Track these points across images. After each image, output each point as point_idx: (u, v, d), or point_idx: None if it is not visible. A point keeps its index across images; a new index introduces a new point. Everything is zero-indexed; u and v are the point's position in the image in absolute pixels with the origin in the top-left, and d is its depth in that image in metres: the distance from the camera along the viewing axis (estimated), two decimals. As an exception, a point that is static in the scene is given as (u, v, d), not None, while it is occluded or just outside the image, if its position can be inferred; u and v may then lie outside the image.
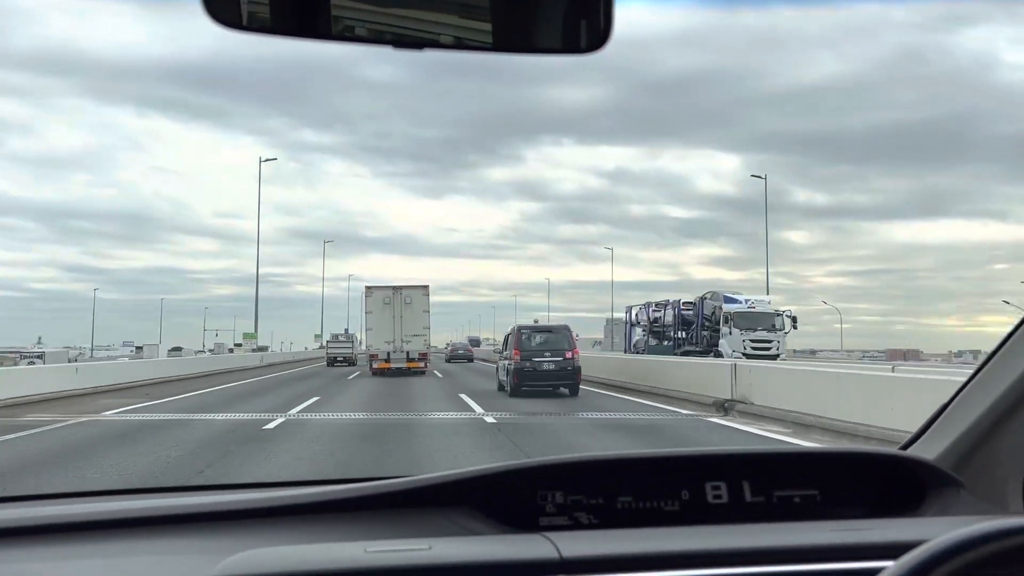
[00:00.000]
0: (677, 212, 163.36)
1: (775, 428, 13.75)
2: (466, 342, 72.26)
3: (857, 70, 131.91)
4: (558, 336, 20.90)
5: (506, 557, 1.16)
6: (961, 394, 1.67)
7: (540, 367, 19.87)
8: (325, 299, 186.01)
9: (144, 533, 1.38)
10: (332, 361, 46.15)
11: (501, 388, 21.60)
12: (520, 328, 21.72)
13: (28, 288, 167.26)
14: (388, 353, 32.07)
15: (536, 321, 31.26)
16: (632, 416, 15.70)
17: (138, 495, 1.90)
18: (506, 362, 21.10)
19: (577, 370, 20.30)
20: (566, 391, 20.10)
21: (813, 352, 78.78)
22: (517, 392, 19.75)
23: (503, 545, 1.25)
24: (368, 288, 34.04)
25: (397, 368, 31.82)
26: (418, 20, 1.11)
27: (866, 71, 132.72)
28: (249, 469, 9.25)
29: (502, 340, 24.32)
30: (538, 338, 20.81)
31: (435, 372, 35.35)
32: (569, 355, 20.10)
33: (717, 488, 1.50)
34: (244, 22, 1.09)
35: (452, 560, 1.13)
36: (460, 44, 1.13)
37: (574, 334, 21.31)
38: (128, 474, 9.02)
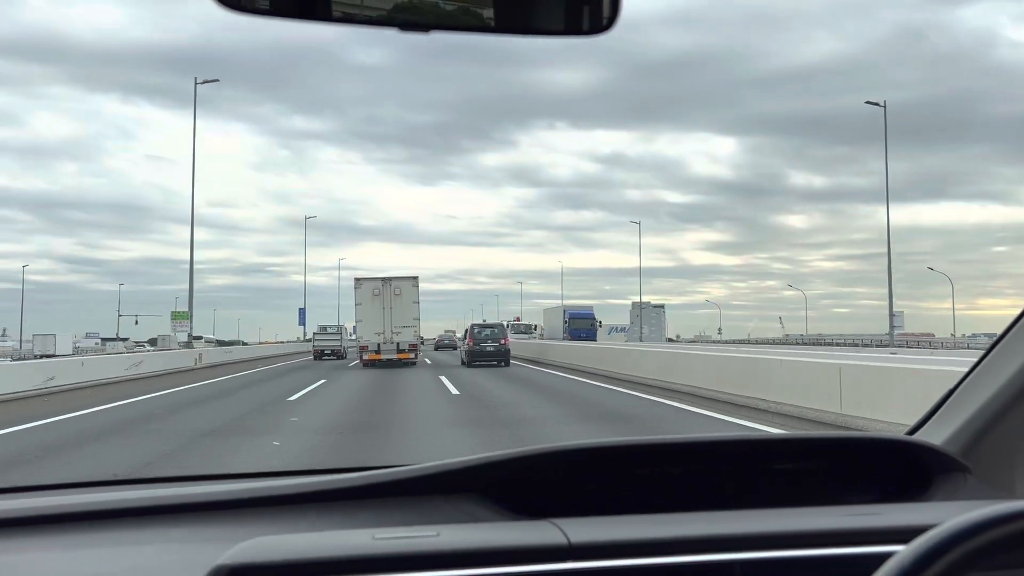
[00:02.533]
0: (674, 197, 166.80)
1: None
2: (452, 334, 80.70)
3: (855, 49, 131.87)
4: (496, 330, 34.33)
5: (514, 543, 1.17)
6: (968, 378, 1.69)
7: (485, 349, 32.70)
8: (325, 289, 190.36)
9: (150, 522, 1.40)
10: (320, 355, 44.48)
11: (462, 363, 34.20)
12: (473, 325, 35.24)
13: (25, 280, 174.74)
14: (378, 344, 32.65)
15: (484, 320, 42.29)
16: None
17: (144, 484, 1.93)
18: (464, 345, 34.97)
19: (507, 351, 33.18)
20: (502, 364, 32.28)
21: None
22: (471, 364, 32.31)
23: (511, 531, 1.26)
24: (357, 279, 34.47)
25: (388, 359, 32.51)
26: (420, 2, 1.11)
27: (864, 50, 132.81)
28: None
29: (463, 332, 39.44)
30: (485, 331, 34.01)
31: (425, 359, 39.03)
32: (503, 341, 33.23)
33: (724, 474, 1.53)
34: (248, 4, 1.10)
35: (460, 546, 1.14)
36: (466, 25, 1.13)
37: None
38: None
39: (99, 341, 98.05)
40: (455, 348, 65.45)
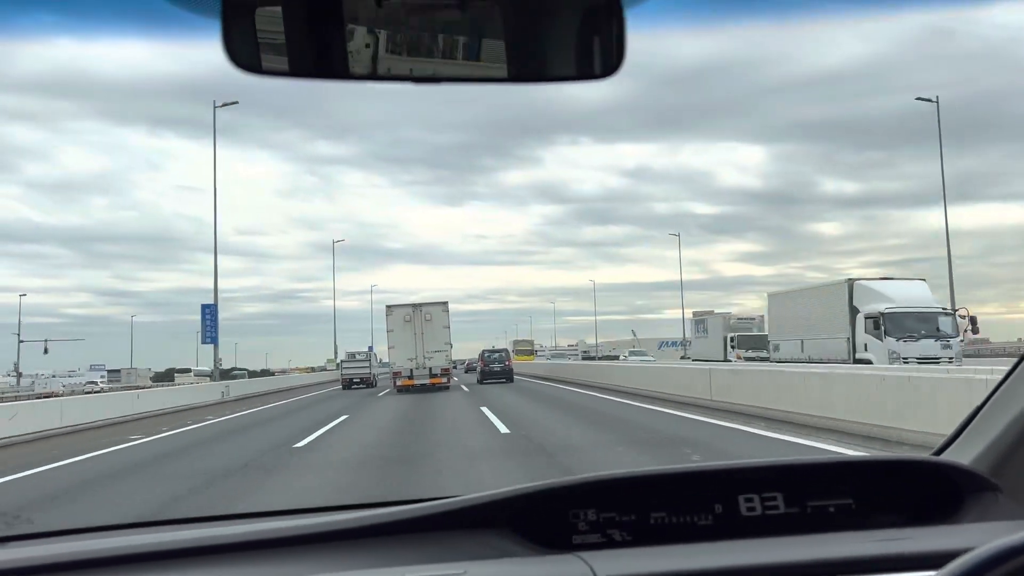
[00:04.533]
0: (702, 208, 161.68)
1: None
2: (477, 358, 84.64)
3: (881, 51, 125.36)
4: (502, 354, 42.92)
5: None
6: (996, 395, 1.66)
7: (493, 369, 40.75)
8: (356, 314, 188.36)
9: (187, 564, 1.42)
10: (348, 384, 42.83)
11: (477, 380, 41.23)
12: (484, 351, 43.85)
13: (63, 314, 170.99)
14: (411, 370, 33.39)
15: (493, 347, 47.35)
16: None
17: (181, 525, 1.97)
18: (477, 367, 43.41)
19: (511, 370, 41.57)
20: (507, 380, 40.04)
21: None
22: (482, 381, 39.96)
23: (538, 566, 1.28)
24: (388, 307, 35.61)
25: (421, 384, 33.07)
26: (434, 55, 1.15)
27: (891, 51, 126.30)
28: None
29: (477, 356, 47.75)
30: (493, 355, 42.35)
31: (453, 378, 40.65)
32: (508, 363, 41.60)
33: (750, 501, 1.51)
34: (264, 66, 1.13)
35: None
36: (478, 77, 1.17)
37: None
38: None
39: (103, 375, 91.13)
40: None
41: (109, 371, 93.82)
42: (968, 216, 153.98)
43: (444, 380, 33.89)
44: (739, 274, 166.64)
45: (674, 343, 77.00)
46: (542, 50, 1.22)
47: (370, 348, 54.77)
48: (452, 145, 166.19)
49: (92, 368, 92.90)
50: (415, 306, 35.17)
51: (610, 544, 1.45)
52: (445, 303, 35.58)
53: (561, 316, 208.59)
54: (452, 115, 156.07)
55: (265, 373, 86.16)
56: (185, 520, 2.23)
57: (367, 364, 44.71)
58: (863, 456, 1.75)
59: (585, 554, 1.26)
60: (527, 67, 1.21)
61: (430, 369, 33.69)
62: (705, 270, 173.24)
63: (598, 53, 1.22)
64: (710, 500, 1.52)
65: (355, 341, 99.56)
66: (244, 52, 1.14)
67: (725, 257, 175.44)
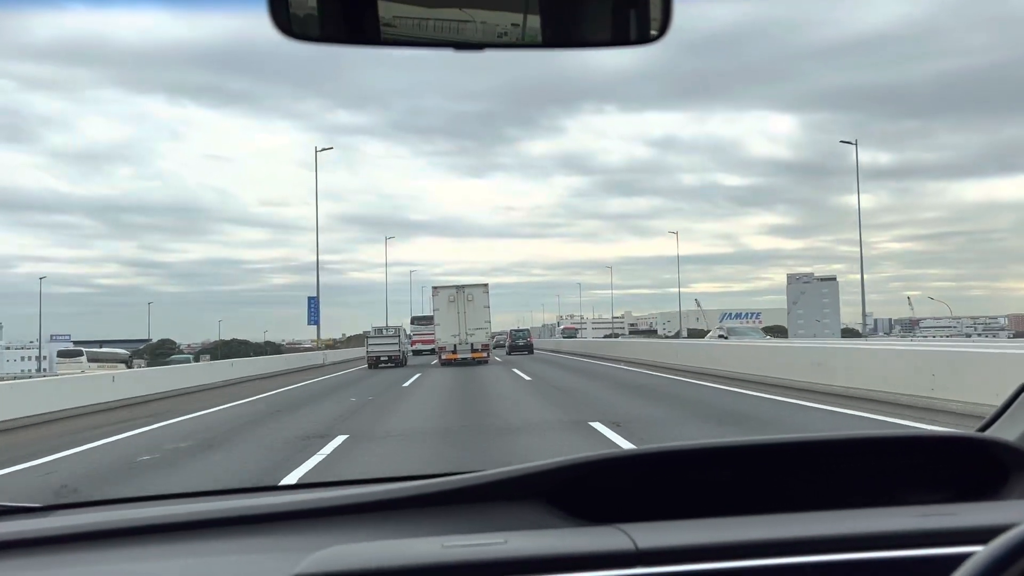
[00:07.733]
0: (731, 180, 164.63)
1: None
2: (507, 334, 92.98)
3: (924, 12, 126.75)
4: (525, 332, 58.93)
5: (582, 549, 1.21)
6: None
7: (518, 344, 55.32)
8: (381, 287, 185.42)
9: (227, 533, 1.47)
10: (375, 362, 38.92)
11: (507, 352, 54.52)
12: (512, 330, 60.89)
13: (94, 284, 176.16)
14: (455, 345, 37.63)
15: (518, 326, 56.07)
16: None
17: (220, 496, 2.04)
18: (505, 341, 59.98)
19: (531, 344, 56.50)
20: (528, 352, 52.64)
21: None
22: (510, 353, 53.04)
23: (578, 537, 1.30)
24: (434, 288, 39.99)
25: (463, 359, 37.19)
26: (473, 20, 1.16)
27: (934, 13, 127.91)
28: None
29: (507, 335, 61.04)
30: (519, 333, 58.32)
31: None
32: (530, 339, 57.20)
33: (793, 475, 1.54)
34: (304, 31, 1.16)
35: (528, 553, 1.19)
36: (517, 42, 1.18)
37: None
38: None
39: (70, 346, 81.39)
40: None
41: (75, 342, 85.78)
42: (1009, 188, 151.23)
43: (484, 355, 38.32)
44: (768, 247, 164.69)
45: (739, 315, 67.49)
46: (584, 14, 1.23)
47: (314, 310, 51.45)
48: (474, 114, 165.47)
49: (53, 339, 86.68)
50: (459, 287, 39.56)
51: (650, 517, 1.46)
52: (486, 285, 40.09)
53: (587, 289, 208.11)
54: (474, 83, 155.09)
55: (269, 345, 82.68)
56: (223, 491, 2.31)
57: (396, 340, 41.30)
58: (907, 432, 1.73)
59: (625, 526, 1.28)
60: (569, 32, 1.21)
61: (472, 345, 38.08)
62: (733, 243, 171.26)
63: (645, 17, 1.21)
64: (751, 475, 1.54)
65: (380, 315, 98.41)
66: (287, 18, 1.16)
67: (754, 230, 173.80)
